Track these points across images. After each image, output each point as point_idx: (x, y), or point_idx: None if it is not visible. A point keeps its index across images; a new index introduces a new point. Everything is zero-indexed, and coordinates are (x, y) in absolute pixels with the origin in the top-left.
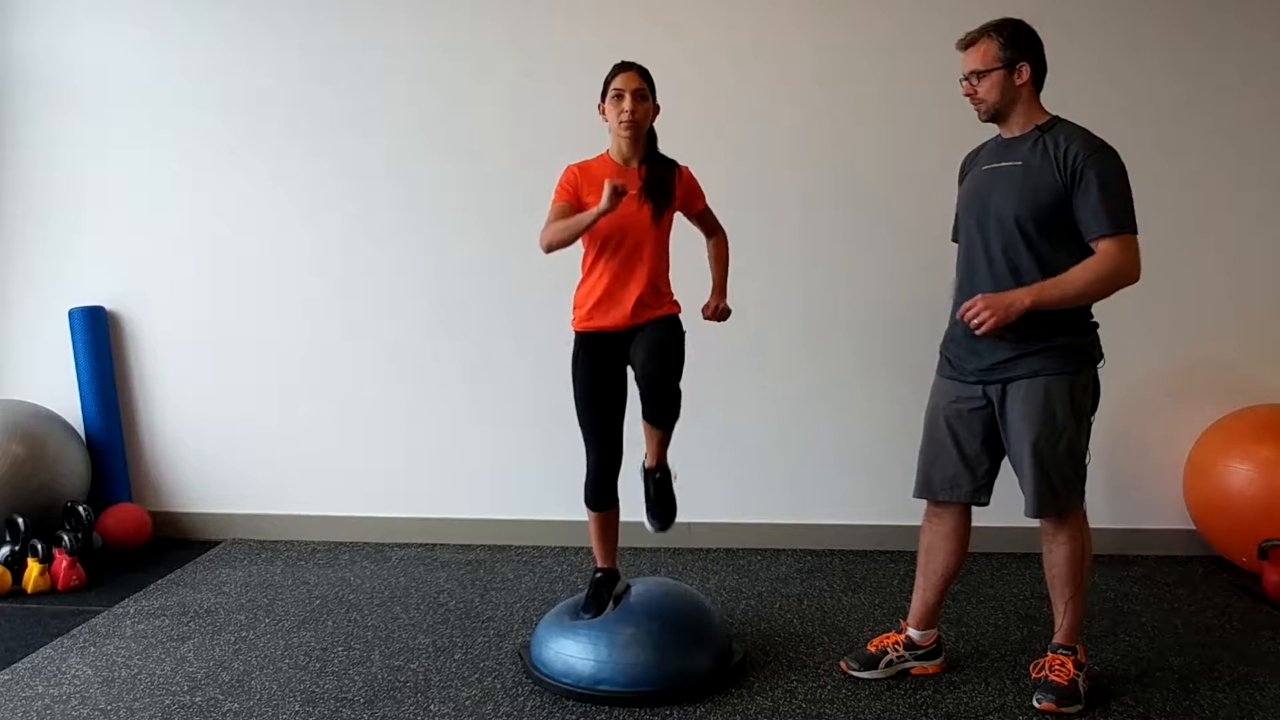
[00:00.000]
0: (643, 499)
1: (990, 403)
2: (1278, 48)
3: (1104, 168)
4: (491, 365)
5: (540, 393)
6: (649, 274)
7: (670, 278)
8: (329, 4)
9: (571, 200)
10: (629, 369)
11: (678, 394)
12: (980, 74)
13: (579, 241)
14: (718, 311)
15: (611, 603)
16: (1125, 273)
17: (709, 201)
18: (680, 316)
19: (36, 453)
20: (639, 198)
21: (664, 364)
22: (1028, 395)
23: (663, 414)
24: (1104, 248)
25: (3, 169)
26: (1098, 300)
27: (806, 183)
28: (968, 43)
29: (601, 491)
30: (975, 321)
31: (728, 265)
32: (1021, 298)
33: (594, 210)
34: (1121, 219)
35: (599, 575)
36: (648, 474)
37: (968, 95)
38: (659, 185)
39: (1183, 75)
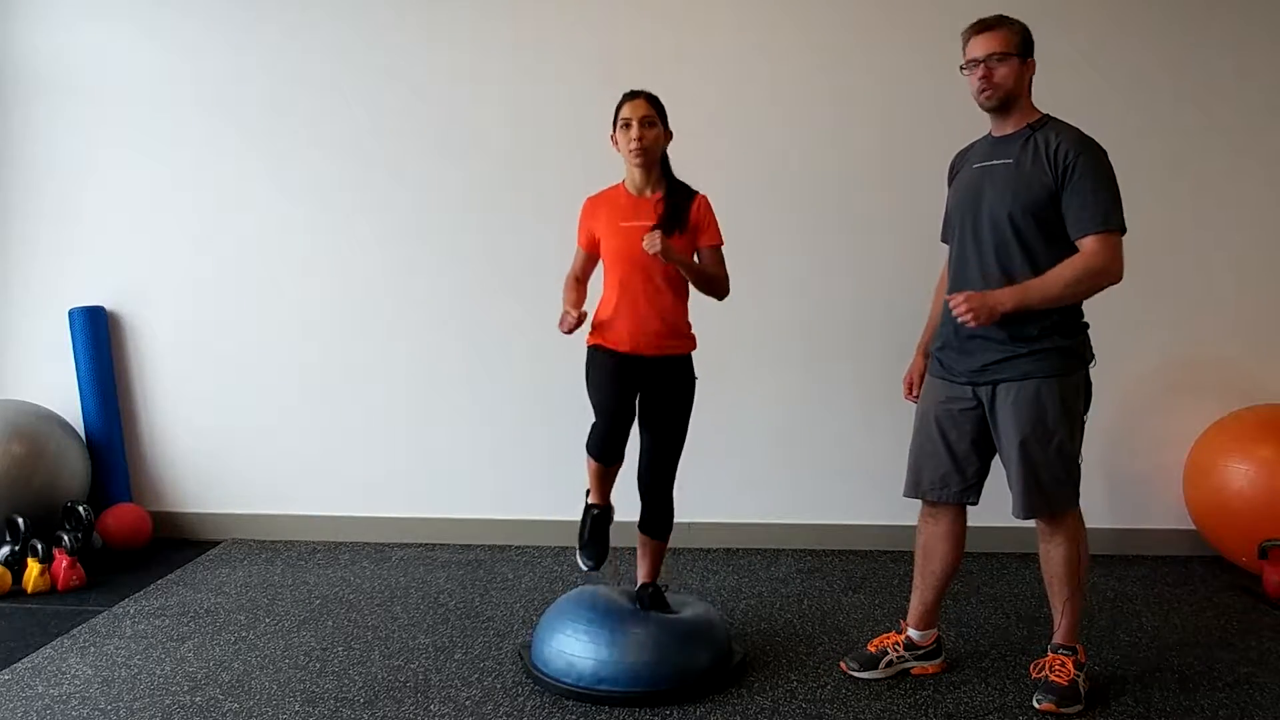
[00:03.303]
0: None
1: (980, 404)
2: (1278, 44)
3: (1093, 166)
4: (491, 365)
5: (540, 393)
6: (661, 306)
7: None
8: (330, 4)
9: (586, 246)
10: (638, 396)
11: (670, 508)
12: (1002, 56)
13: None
14: (655, 240)
15: (609, 544)
16: (1108, 271)
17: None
18: (693, 356)
19: (36, 453)
20: (653, 229)
21: (664, 470)
22: (1018, 397)
23: (657, 524)
24: (1088, 245)
25: (2, 169)
26: (1080, 299)
27: (805, 185)
28: (985, 26)
29: (608, 447)
30: (959, 317)
31: (705, 279)
32: (1004, 300)
33: (563, 319)
34: (1108, 217)
35: (596, 511)
36: (641, 589)
37: (982, 78)
38: (673, 215)
39: (1182, 72)
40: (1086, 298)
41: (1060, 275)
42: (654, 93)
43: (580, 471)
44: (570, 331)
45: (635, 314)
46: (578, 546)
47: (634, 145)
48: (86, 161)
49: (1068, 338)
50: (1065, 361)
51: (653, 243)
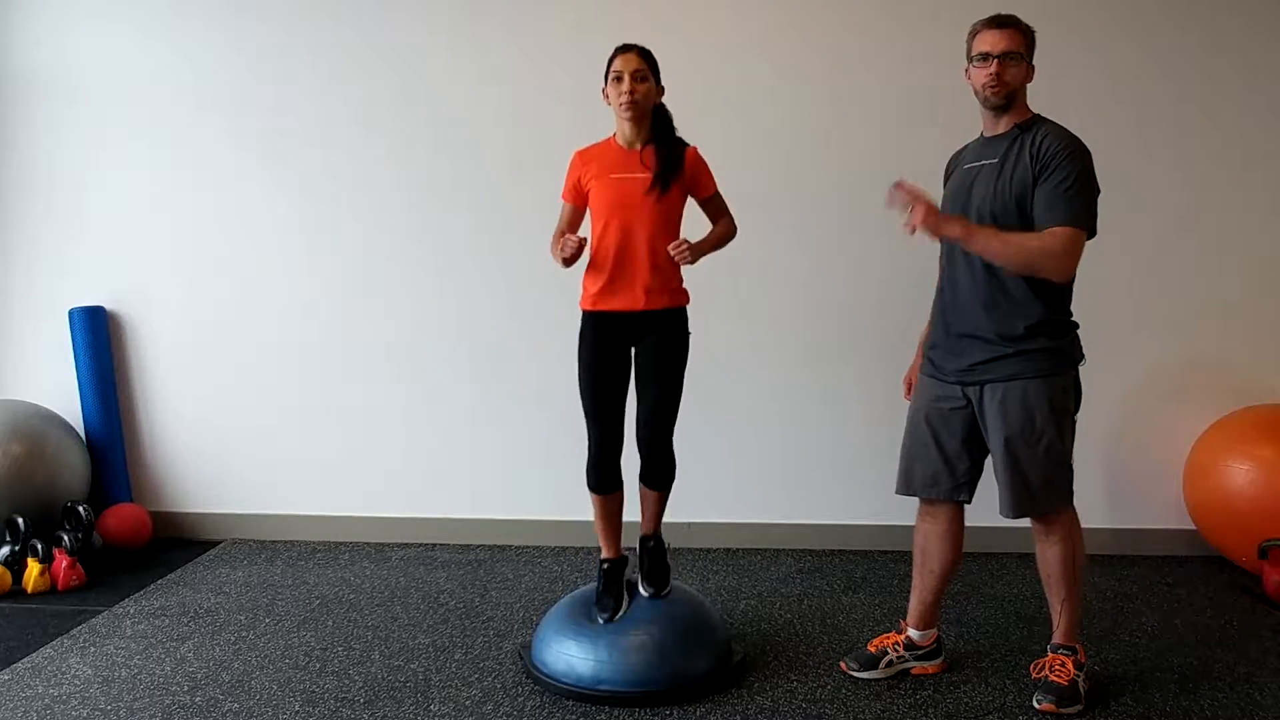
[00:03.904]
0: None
1: (970, 403)
2: (1278, 46)
3: (1073, 164)
4: (491, 365)
5: (541, 392)
6: (654, 257)
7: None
8: (330, 4)
9: (574, 200)
10: (633, 352)
11: (672, 458)
12: (1017, 57)
13: (588, 218)
14: (680, 248)
15: (625, 595)
16: (1056, 259)
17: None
18: (687, 309)
19: (36, 453)
20: (651, 181)
21: (662, 421)
22: (1006, 397)
23: (658, 475)
24: (1050, 232)
25: (3, 169)
26: (1017, 269)
27: (806, 185)
28: (1002, 23)
29: (604, 472)
30: (909, 213)
31: (722, 242)
32: (954, 226)
33: (558, 257)
34: (1076, 214)
35: (606, 566)
36: (642, 542)
37: (995, 74)
38: (664, 164)
39: (1184, 74)
40: (1021, 271)
41: (1013, 239)
42: (646, 47)
43: (579, 471)
44: (572, 258)
45: (628, 266)
46: (595, 599)
47: (625, 99)
48: (86, 161)
49: (1056, 338)
50: (1053, 362)
51: (682, 254)
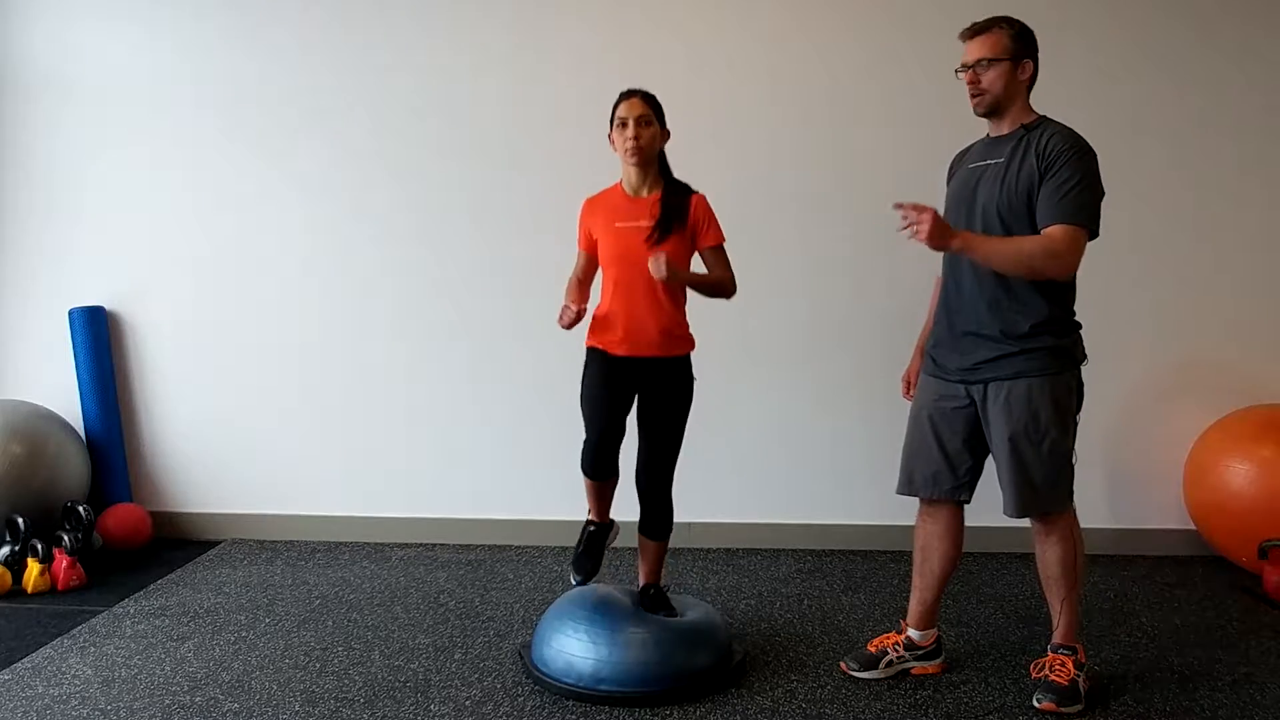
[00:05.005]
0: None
1: (973, 402)
2: (1276, 47)
3: (1076, 163)
4: (492, 365)
5: (541, 393)
6: (660, 308)
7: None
8: (330, 4)
9: (586, 247)
10: (637, 396)
11: (670, 507)
12: (988, 62)
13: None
14: (660, 264)
15: (603, 560)
16: (1060, 259)
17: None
18: (691, 356)
19: (36, 453)
20: (650, 230)
21: (662, 469)
22: (1010, 396)
23: (657, 524)
24: (1052, 231)
25: (3, 168)
26: (1021, 274)
27: (807, 186)
28: (975, 31)
29: (600, 462)
30: (913, 223)
31: (710, 287)
32: (955, 237)
33: (561, 320)
34: (1078, 212)
35: (593, 529)
36: (643, 590)
37: (970, 83)
38: (669, 215)
39: (1182, 76)
40: (1029, 276)
41: (1013, 243)
42: (651, 91)
43: (579, 470)
44: (569, 326)
45: (631, 316)
46: (573, 559)
47: (630, 145)
48: (86, 161)
49: (1060, 337)
50: (1057, 361)
51: (659, 269)
